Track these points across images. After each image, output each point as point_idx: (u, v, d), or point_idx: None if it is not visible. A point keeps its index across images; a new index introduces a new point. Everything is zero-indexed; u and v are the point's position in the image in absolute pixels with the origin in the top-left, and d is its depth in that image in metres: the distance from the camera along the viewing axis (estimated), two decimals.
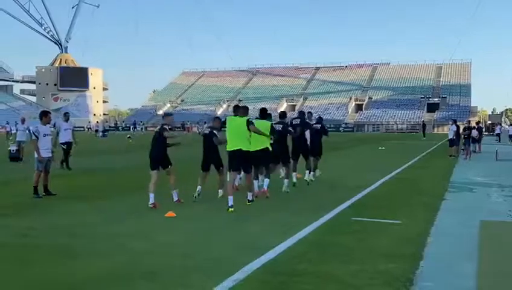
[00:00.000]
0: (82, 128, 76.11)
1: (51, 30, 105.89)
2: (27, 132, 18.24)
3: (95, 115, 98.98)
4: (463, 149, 22.14)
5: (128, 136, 46.19)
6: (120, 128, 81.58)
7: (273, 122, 10.39)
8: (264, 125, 9.56)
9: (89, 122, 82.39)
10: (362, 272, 4.96)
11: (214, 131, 9.53)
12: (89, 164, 14.99)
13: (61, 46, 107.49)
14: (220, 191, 9.70)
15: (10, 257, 5.61)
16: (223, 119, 9.87)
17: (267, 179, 10.12)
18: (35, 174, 9.89)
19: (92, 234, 6.74)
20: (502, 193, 10.78)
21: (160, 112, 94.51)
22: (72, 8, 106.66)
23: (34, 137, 9.91)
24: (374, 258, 5.47)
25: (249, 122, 8.91)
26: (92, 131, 65.16)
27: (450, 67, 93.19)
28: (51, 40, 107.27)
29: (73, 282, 4.69)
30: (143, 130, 75.56)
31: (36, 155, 9.90)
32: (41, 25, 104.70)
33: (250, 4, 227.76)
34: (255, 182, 9.92)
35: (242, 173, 9.54)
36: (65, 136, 15.20)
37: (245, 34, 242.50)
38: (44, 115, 10.31)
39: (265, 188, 9.99)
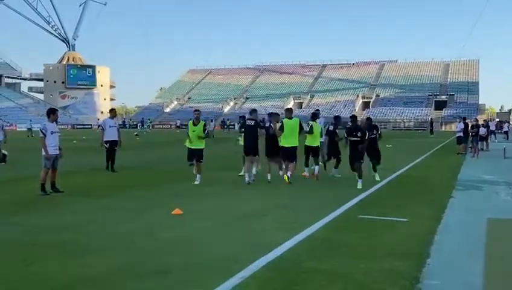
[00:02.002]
0: (90, 126, 77.49)
1: (58, 28, 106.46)
2: (1, 130, 17.78)
3: (102, 112, 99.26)
4: (471, 147, 22.01)
5: (135, 133, 46.42)
6: (128, 125, 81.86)
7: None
8: (318, 126, 12.42)
9: (98, 119, 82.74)
10: (369, 270, 4.96)
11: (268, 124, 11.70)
12: (96, 161, 15.03)
13: (68, 44, 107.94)
14: (280, 172, 11.75)
15: (17, 254, 5.65)
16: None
17: (317, 166, 12.31)
18: (42, 172, 9.95)
19: (98, 231, 6.78)
20: (509, 191, 10.71)
21: (168, 110, 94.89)
22: (80, 6, 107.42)
23: (41, 134, 9.97)
24: (380, 256, 5.47)
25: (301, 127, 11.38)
26: (99, 128, 65.46)
27: (457, 65, 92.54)
28: (59, 38, 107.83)
29: (78, 279, 4.71)
30: (150, 127, 75.80)
31: (44, 153, 9.96)
32: (48, 23, 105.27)
33: (257, 1, 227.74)
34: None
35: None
36: (109, 135, 14.38)
37: (252, 32, 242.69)
38: (52, 113, 10.36)
39: (316, 172, 12.20)
